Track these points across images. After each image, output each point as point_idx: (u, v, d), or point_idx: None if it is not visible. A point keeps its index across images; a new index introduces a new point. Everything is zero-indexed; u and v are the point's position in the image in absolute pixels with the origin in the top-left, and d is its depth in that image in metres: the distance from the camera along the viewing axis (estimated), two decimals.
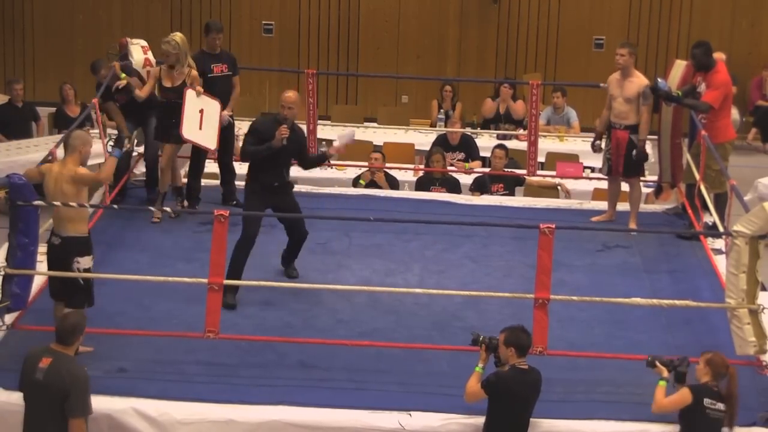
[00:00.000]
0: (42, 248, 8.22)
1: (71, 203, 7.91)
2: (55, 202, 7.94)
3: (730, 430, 7.32)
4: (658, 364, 7.46)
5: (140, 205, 10.83)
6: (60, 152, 8.75)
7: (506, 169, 12.40)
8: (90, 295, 8.13)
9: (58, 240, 8.02)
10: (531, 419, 7.39)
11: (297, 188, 11.86)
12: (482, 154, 13.47)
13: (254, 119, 9.94)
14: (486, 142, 13.82)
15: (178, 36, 10.47)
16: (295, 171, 12.90)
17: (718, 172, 10.22)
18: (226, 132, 10.87)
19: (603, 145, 10.81)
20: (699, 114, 10.57)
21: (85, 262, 8.04)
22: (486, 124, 14.92)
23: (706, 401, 7.21)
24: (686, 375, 7.39)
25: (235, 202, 10.81)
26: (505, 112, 14.88)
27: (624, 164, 10.59)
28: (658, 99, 10.50)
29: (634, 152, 10.45)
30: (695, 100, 10.40)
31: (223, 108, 10.70)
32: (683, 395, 7.26)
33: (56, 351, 6.88)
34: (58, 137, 11.63)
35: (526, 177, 12.16)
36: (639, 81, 10.42)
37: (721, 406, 7.23)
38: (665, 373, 7.41)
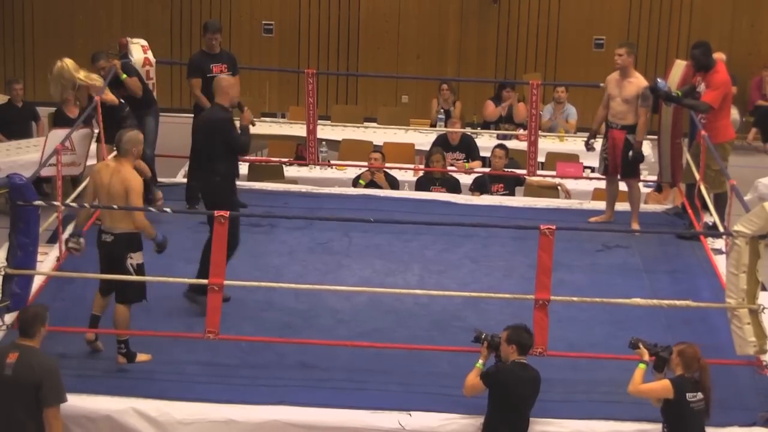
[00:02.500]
0: (43, 248, 8.22)
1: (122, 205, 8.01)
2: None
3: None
4: (641, 345, 7.46)
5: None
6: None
7: (506, 169, 12.40)
8: (142, 290, 8.18)
9: (111, 237, 8.07)
10: (531, 419, 7.40)
11: (297, 187, 11.94)
12: (482, 154, 13.46)
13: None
14: (486, 142, 13.80)
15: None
16: (295, 171, 13.00)
17: (717, 172, 10.22)
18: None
19: (598, 145, 10.81)
20: (698, 114, 10.57)
21: (138, 257, 8.11)
22: (486, 124, 14.92)
23: (689, 396, 7.19)
24: (666, 363, 7.34)
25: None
26: (506, 114, 14.86)
27: (621, 165, 10.60)
28: (658, 99, 10.50)
29: (631, 153, 10.45)
30: (695, 101, 10.40)
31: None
32: (664, 387, 7.23)
33: (22, 345, 6.93)
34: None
35: (526, 177, 12.16)
36: (638, 82, 10.42)
37: (700, 395, 7.22)
38: (646, 357, 7.40)
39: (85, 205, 8.15)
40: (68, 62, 10.47)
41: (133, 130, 8.39)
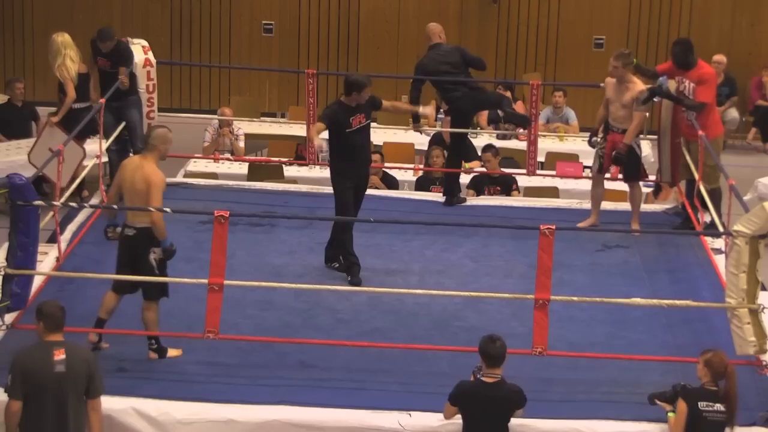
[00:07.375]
0: (43, 248, 8.22)
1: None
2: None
3: (731, 430, 7.29)
4: (657, 402, 7.42)
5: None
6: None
7: (506, 170, 12.37)
8: (166, 286, 8.15)
9: (133, 231, 8.05)
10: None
11: (297, 187, 11.94)
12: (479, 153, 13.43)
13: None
14: (485, 142, 13.77)
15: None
16: (295, 171, 13.00)
17: (713, 168, 10.24)
18: None
19: (599, 140, 10.83)
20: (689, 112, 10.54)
21: (159, 252, 8.08)
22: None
23: (701, 404, 7.16)
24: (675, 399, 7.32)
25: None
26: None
27: (623, 168, 10.61)
28: (651, 98, 10.44)
29: (614, 152, 10.43)
30: (694, 101, 10.39)
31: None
32: (681, 409, 7.22)
33: (62, 342, 6.96)
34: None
35: (519, 186, 12.13)
36: (635, 87, 10.40)
37: (719, 407, 7.17)
38: (668, 408, 7.37)
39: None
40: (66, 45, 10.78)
41: (164, 128, 8.37)
